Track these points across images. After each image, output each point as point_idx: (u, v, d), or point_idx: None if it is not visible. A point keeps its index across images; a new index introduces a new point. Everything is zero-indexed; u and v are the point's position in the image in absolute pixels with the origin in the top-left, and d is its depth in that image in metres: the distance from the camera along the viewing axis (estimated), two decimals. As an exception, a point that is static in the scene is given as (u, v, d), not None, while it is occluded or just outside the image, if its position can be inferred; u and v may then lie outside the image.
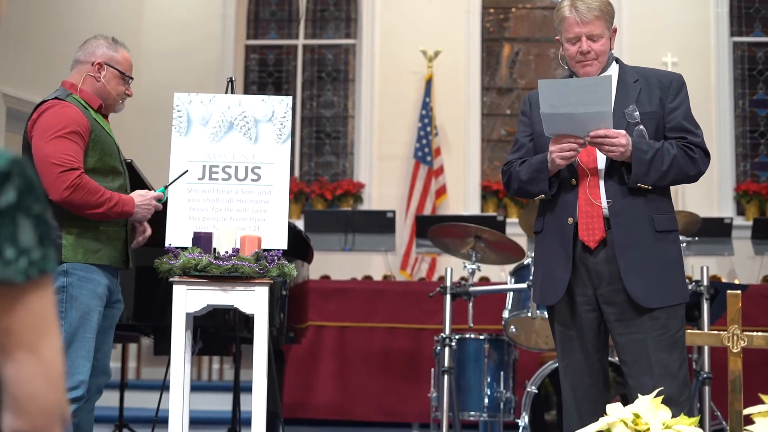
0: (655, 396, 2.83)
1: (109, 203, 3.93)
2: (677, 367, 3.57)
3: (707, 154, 3.69)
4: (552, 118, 3.52)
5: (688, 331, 3.29)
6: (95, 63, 4.13)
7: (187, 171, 4.28)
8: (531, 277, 5.13)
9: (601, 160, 3.65)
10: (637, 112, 3.63)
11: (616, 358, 4.44)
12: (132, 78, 4.24)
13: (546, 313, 5.34)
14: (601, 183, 3.64)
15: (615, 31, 3.77)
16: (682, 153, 3.61)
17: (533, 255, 3.91)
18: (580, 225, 3.63)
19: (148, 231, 4.28)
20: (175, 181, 4.27)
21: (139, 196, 4.09)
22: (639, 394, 3.12)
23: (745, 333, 3.12)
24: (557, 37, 3.78)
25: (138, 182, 4.64)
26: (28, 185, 1.28)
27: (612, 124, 3.54)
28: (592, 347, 3.70)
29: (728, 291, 3.19)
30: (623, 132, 3.55)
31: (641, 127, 3.62)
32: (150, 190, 4.44)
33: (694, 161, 3.64)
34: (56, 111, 3.98)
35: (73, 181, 3.83)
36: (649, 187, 3.59)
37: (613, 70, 3.78)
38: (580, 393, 3.72)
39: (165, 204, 4.42)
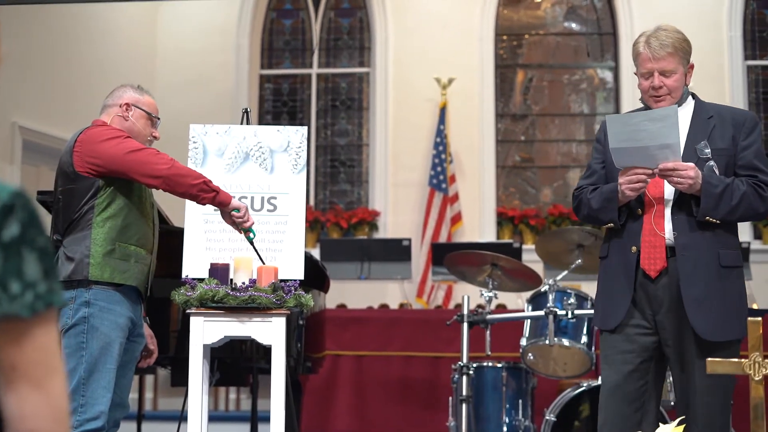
0: (677, 425, 2.81)
1: (206, 177, 4.02)
2: (721, 408, 3.61)
3: None
4: (621, 151, 3.58)
5: (709, 359, 3.27)
6: (122, 104, 4.21)
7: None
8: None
9: (669, 192, 3.68)
10: (708, 149, 3.64)
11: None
12: (159, 119, 4.29)
13: (564, 340, 5.34)
14: (668, 214, 3.67)
15: (692, 66, 3.79)
16: (752, 190, 3.62)
17: (597, 279, 3.93)
18: (643, 254, 3.66)
19: (155, 356, 4.42)
20: (255, 251, 4.24)
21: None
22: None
23: (766, 361, 3.09)
24: (635, 72, 3.81)
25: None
26: (31, 218, 1.27)
27: (681, 156, 3.56)
28: (640, 371, 3.68)
29: (749, 318, 3.16)
30: (692, 165, 3.57)
31: (712, 162, 3.63)
32: (168, 222, 4.43)
33: (763, 199, 3.65)
34: (107, 126, 4.12)
35: (169, 157, 3.99)
36: (717, 222, 3.60)
37: (689, 106, 3.81)
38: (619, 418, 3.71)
39: (182, 235, 4.43)
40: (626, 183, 3.63)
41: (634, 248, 3.68)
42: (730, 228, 3.70)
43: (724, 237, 3.66)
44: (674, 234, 3.62)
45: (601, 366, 3.84)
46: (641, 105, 3.89)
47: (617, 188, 3.68)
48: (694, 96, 3.86)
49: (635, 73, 3.83)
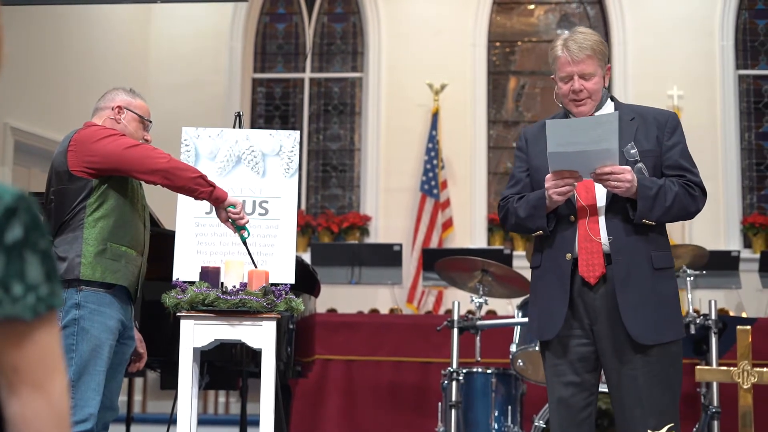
0: (667, 430, 2.82)
1: (202, 173, 4.03)
2: (666, 404, 3.56)
3: (704, 193, 3.69)
4: (558, 156, 3.52)
5: (698, 367, 3.27)
6: (115, 107, 4.22)
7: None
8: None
9: (601, 198, 3.65)
10: (635, 150, 3.62)
11: None
12: (150, 122, 4.29)
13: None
14: (601, 219, 3.63)
15: (609, 69, 3.76)
16: (683, 191, 3.61)
17: (530, 289, 3.89)
18: (580, 261, 3.61)
19: (144, 360, 4.45)
20: (248, 251, 4.23)
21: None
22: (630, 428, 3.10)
23: (755, 369, 3.10)
24: (552, 76, 3.78)
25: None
26: (34, 221, 1.27)
27: (618, 161, 3.54)
28: (585, 383, 3.67)
29: (738, 327, 3.17)
30: (629, 168, 3.54)
31: (641, 164, 3.61)
32: (159, 225, 4.42)
33: (694, 198, 3.64)
34: (100, 126, 4.12)
35: (166, 152, 3.99)
36: (653, 224, 3.59)
37: (609, 107, 3.77)
38: (572, 430, 3.69)
39: (173, 238, 4.42)
40: (553, 188, 3.56)
41: (569, 255, 3.63)
42: (661, 230, 3.68)
43: (656, 239, 3.64)
44: (609, 239, 3.58)
45: (546, 378, 3.81)
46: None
47: (544, 195, 3.62)
48: (612, 98, 3.83)
49: (552, 78, 3.78)
